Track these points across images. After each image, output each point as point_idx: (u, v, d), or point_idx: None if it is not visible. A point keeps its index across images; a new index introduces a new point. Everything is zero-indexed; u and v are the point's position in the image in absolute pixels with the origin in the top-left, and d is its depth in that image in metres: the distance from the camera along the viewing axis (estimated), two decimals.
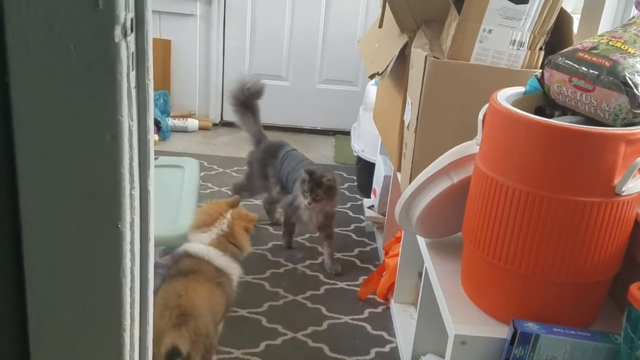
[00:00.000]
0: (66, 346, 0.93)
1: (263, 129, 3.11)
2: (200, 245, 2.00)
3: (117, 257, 0.88)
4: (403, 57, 2.17)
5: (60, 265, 0.88)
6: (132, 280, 0.92)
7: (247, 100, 2.96)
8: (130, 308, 0.93)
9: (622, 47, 1.35)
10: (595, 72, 1.32)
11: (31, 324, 0.91)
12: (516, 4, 1.82)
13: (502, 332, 1.41)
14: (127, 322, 0.93)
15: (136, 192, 0.88)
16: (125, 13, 0.78)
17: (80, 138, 0.82)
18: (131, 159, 0.85)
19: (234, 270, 2.04)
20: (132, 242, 0.89)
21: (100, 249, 0.87)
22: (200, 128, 4.41)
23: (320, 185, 2.66)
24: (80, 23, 0.77)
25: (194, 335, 1.72)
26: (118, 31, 0.77)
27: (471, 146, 1.58)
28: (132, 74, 0.82)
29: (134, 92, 0.82)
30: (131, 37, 0.80)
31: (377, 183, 3.12)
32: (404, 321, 2.36)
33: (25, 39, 0.78)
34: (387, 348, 2.31)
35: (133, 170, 0.86)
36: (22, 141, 0.82)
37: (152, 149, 0.90)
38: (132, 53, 0.81)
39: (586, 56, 1.36)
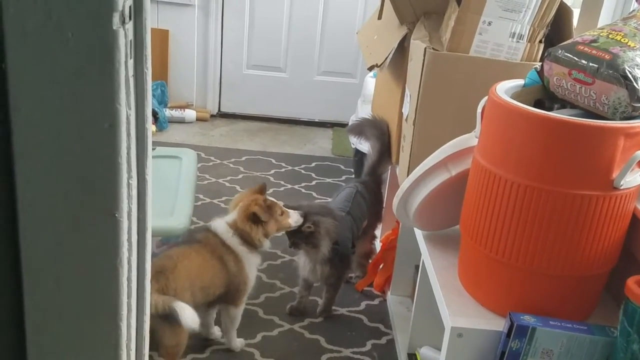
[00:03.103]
0: (63, 335, 0.93)
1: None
2: (219, 220, 2.09)
3: (114, 246, 0.88)
4: (402, 49, 2.16)
5: (57, 254, 0.88)
6: (129, 270, 0.92)
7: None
8: (127, 298, 0.93)
9: (622, 40, 1.35)
10: (595, 65, 1.32)
11: (28, 312, 0.91)
12: None
13: (499, 324, 1.42)
14: (124, 311, 0.93)
15: (133, 182, 0.88)
16: (123, 0, 0.77)
17: (78, 126, 0.81)
18: (129, 148, 0.84)
19: (245, 253, 2.07)
20: (129, 232, 0.89)
21: (97, 238, 0.87)
22: (198, 119, 4.40)
23: (299, 231, 2.22)
24: (78, 10, 0.77)
25: (159, 291, 1.79)
26: (116, 18, 0.77)
27: (470, 139, 1.58)
28: (130, 62, 0.81)
29: (131, 80, 0.82)
30: (129, 25, 0.80)
31: None
32: (401, 313, 2.37)
33: (22, 26, 0.78)
34: (383, 340, 2.31)
35: (130, 159, 0.86)
36: (20, 129, 0.81)
37: (149, 138, 0.89)
38: (130, 41, 0.80)
39: (586, 49, 1.35)
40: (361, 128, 2.67)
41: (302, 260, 2.36)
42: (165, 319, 1.77)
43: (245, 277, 2.09)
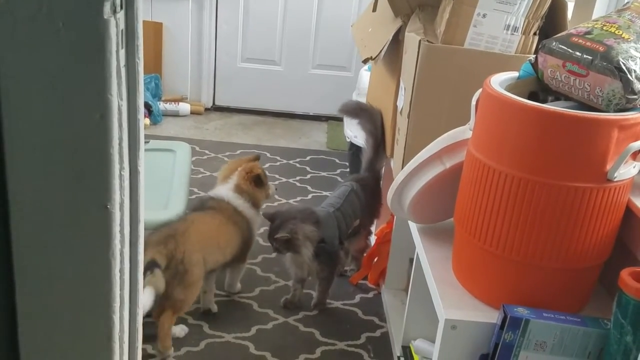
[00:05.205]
0: (55, 328, 0.93)
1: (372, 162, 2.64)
2: (223, 189, 2.30)
3: (107, 238, 0.87)
4: (397, 42, 2.16)
5: (48, 245, 0.87)
6: (122, 262, 0.91)
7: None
8: (120, 290, 0.92)
9: (616, 32, 1.34)
10: (589, 57, 1.31)
11: (20, 304, 0.90)
12: None
13: (493, 317, 1.42)
14: (117, 304, 0.92)
15: (126, 173, 0.87)
16: None
17: (69, 117, 0.80)
18: (120, 139, 0.84)
19: (253, 215, 2.32)
20: (121, 224, 0.89)
21: (89, 230, 0.87)
22: (192, 112, 4.39)
23: (275, 237, 2.26)
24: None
25: (169, 254, 1.97)
26: (107, 8, 0.76)
27: (464, 131, 1.58)
28: (122, 52, 0.80)
29: (123, 70, 0.81)
30: (120, 14, 0.79)
31: None
32: (395, 306, 2.37)
33: (13, 16, 0.77)
34: (377, 333, 2.31)
35: (122, 150, 0.85)
36: (10, 120, 0.81)
37: (142, 129, 0.89)
38: (122, 30, 0.80)
39: (580, 41, 1.35)
40: (357, 112, 2.67)
41: (288, 256, 2.36)
42: (175, 276, 1.96)
43: (253, 237, 2.36)
